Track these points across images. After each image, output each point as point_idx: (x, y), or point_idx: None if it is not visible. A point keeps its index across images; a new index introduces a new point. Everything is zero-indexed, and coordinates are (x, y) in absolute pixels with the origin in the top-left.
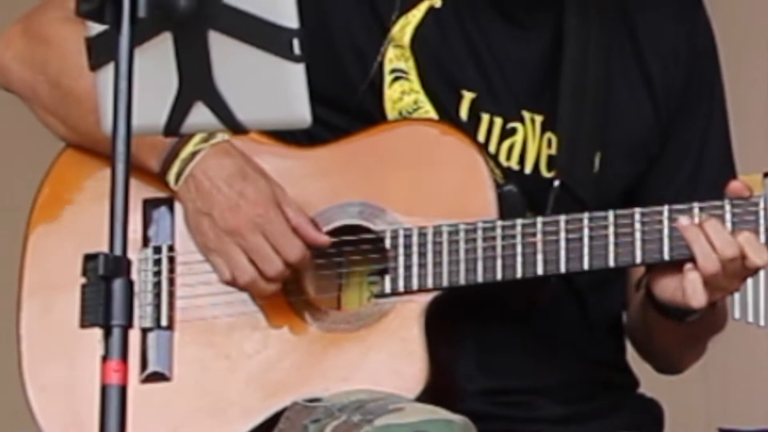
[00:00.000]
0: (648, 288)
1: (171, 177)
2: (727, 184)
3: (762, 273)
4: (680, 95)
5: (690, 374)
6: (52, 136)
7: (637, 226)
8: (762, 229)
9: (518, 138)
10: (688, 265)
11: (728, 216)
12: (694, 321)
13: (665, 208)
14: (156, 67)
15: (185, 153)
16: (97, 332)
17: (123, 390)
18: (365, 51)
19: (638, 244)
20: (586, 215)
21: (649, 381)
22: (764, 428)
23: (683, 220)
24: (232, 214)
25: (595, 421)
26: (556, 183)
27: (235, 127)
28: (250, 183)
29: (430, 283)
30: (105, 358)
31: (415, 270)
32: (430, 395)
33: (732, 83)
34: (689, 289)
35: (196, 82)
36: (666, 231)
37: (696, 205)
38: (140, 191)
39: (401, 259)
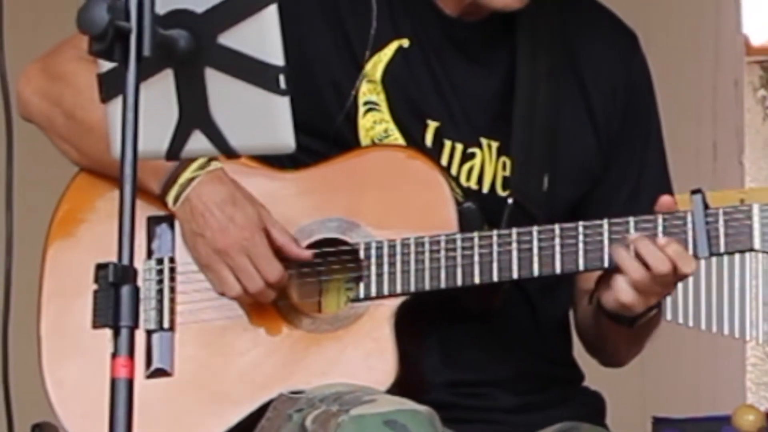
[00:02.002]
0: (598, 300)
1: (170, 199)
2: (658, 200)
3: (690, 279)
4: (619, 124)
5: (628, 370)
6: (67, 161)
7: (580, 237)
8: (689, 239)
9: (477, 161)
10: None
11: (660, 228)
12: (640, 325)
13: (605, 221)
14: (159, 99)
15: (183, 179)
16: (108, 332)
17: (130, 383)
18: (342, 86)
19: (581, 253)
20: (535, 228)
21: (593, 375)
22: (692, 416)
23: (617, 249)
24: (222, 236)
25: (545, 411)
26: (510, 201)
27: (228, 152)
28: (239, 208)
29: (398, 288)
30: (114, 355)
31: (385, 277)
32: (399, 388)
33: (660, 114)
34: (619, 292)
35: (194, 113)
36: (606, 242)
37: (631, 219)
38: (144, 210)
39: (374, 268)
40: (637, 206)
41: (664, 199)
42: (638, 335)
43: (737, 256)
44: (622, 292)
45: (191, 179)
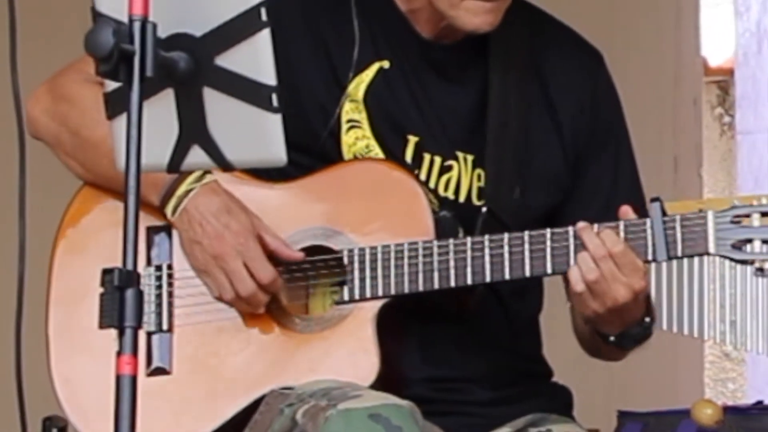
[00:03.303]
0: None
1: (168, 210)
2: (618, 210)
3: (652, 284)
4: (586, 140)
5: (594, 367)
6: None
7: (548, 243)
8: (649, 243)
9: (454, 173)
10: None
11: (622, 234)
12: (628, 347)
13: (570, 229)
14: (161, 116)
15: (180, 191)
16: (112, 332)
17: (134, 379)
18: (326, 105)
19: (548, 257)
20: (506, 235)
21: (561, 371)
22: (654, 410)
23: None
24: (218, 242)
25: (517, 404)
26: (484, 209)
27: (224, 165)
28: (233, 217)
29: (380, 291)
30: (119, 354)
31: (368, 281)
32: (381, 383)
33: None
34: (572, 279)
35: (193, 129)
36: (572, 247)
37: (595, 225)
38: (144, 220)
39: (357, 273)
40: (612, 216)
41: (624, 209)
42: (632, 350)
43: (696, 262)
44: (576, 283)
45: (188, 191)
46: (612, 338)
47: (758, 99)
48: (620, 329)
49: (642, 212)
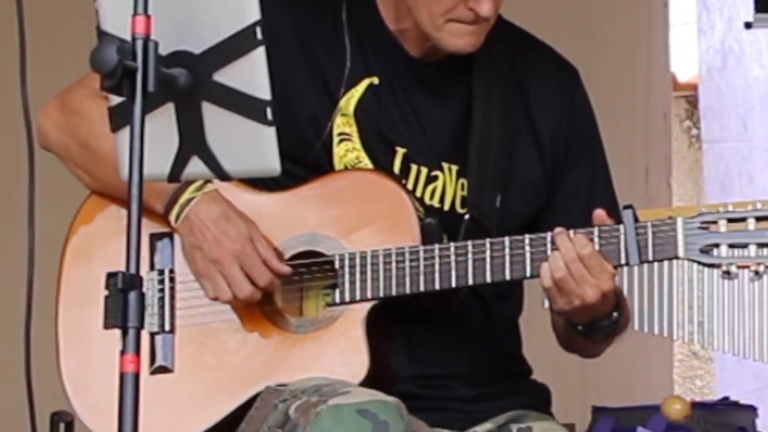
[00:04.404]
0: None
1: (172, 217)
2: (593, 214)
3: (624, 286)
4: (564, 152)
5: (570, 366)
6: (81, 184)
7: (527, 248)
8: (622, 248)
9: (439, 183)
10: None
11: (596, 239)
12: (599, 339)
13: (548, 235)
14: (162, 129)
15: (183, 199)
16: (116, 333)
17: (136, 377)
18: (319, 119)
19: (528, 261)
20: (488, 241)
21: (539, 370)
22: (626, 405)
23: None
24: (217, 248)
25: (499, 401)
26: (467, 217)
27: (222, 175)
28: (231, 224)
29: (369, 294)
30: (123, 352)
31: (358, 285)
32: (370, 381)
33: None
34: (542, 275)
35: (192, 141)
36: (549, 252)
37: (571, 231)
38: (148, 227)
39: (347, 277)
40: (589, 223)
41: (597, 213)
42: (601, 342)
43: (666, 266)
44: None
45: (190, 199)
46: (580, 327)
47: (723, 111)
48: (587, 321)
49: (616, 217)
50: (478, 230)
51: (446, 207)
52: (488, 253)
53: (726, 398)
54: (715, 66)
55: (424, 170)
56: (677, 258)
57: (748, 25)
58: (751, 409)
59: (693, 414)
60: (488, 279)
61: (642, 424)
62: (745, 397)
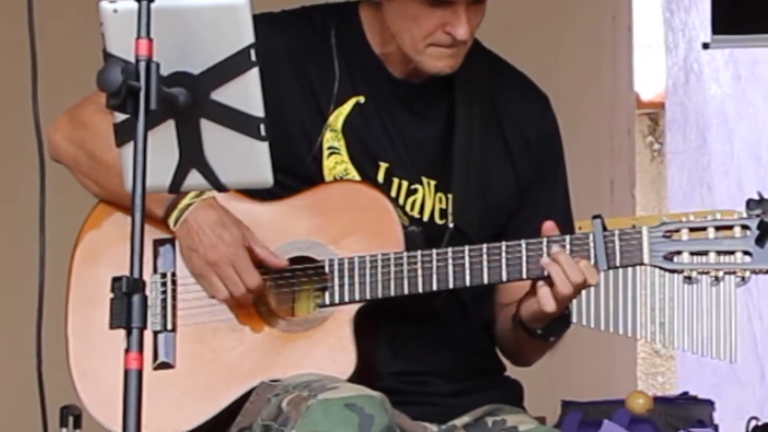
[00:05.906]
0: (519, 318)
1: (171, 222)
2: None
3: (592, 288)
4: (533, 170)
5: (541, 362)
6: (89, 193)
7: (504, 254)
8: (592, 255)
9: (419, 196)
10: (540, 282)
11: (568, 247)
12: (553, 341)
13: (523, 242)
14: (163, 144)
15: (182, 205)
16: (122, 332)
17: (140, 374)
18: (310, 133)
19: (504, 267)
20: (467, 247)
21: (512, 367)
22: (593, 400)
23: (545, 259)
24: (213, 251)
25: (476, 395)
26: (451, 225)
27: (219, 187)
28: (226, 229)
29: (357, 296)
30: (127, 351)
31: (346, 288)
32: (357, 377)
33: (569, 156)
34: (543, 300)
35: (191, 155)
36: (524, 258)
37: (545, 239)
38: (151, 233)
39: (336, 280)
40: (540, 234)
41: (547, 224)
42: (547, 347)
43: (630, 271)
44: (547, 303)
45: (189, 205)
46: (539, 331)
47: (686, 124)
48: (548, 321)
49: (566, 230)
50: (462, 239)
51: (425, 218)
52: (467, 259)
53: (686, 393)
54: (679, 81)
55: (405, 183)
56: (642, 264)
57: (705, 46)
58: (709, 403)
59: (655, 408)
60: (467, 283)
61: (608, 417)
62: (703, 392)
